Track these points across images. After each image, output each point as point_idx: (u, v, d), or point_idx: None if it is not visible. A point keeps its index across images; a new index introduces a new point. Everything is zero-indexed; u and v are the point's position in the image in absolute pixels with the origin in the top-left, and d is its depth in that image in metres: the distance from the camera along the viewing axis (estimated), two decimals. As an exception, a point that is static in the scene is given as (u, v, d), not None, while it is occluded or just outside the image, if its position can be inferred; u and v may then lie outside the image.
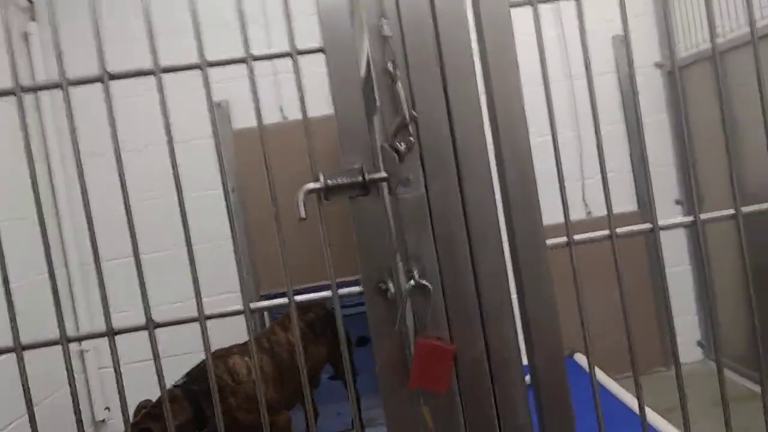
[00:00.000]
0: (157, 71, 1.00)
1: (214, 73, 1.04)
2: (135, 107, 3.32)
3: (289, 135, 3.52)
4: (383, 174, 0.98)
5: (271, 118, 3.43)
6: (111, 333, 0.99)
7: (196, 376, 2.53)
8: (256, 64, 1.05)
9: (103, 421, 3.34)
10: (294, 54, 1.05)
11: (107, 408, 3.37)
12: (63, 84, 1.00)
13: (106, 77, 0.99)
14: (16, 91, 1.01)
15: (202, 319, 1.00)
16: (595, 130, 1.07)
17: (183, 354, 2.73)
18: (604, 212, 1.05)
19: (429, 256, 0.98)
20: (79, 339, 1.08)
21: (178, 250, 3.47)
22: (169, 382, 2.60)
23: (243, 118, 3.46)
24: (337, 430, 3.56)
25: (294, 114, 3.44)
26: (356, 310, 6.81)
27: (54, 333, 0.99)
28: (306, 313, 3.03)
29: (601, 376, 3.14)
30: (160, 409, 2.39)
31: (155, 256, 3.42)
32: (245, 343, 2.72)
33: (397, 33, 1.02)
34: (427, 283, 0.96)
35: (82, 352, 3.27)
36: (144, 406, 2.50)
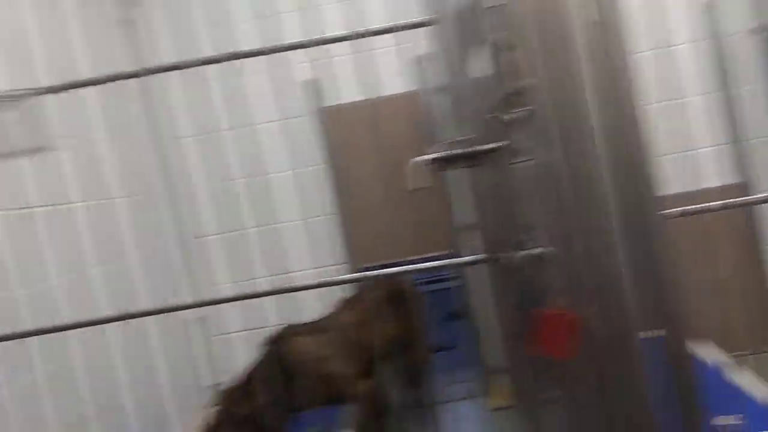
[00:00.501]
0: (255, 53, 1.04)
1: (304, 51, 1.08)
2: (232, 88, 3.45)
3: (378, 112, 3.57)
4: (497, 144, 0.98)
5: (360, 95, 3.48)
6: (228, 300, 1.05)
7: (266, 358, 2.63)
8: (345, 42, 1.07)
9: (219, 384, 3.56)
10: (400, 29, 1.07)
11: (214, 378, 3.58)
12: (181, 66, 1.05)
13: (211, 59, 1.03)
14: (140, 73, 1.08)
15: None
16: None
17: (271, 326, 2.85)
18: (706, 185, 1.02)
19: (545, 225, 0.98)
20: (203, 305, 1.15)
21: (274, 226, 3.61)
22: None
23: (334, 96, 3.53)
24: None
25: (382, 91, 3.47)
26: (446, 285, 6.76)
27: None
28: (376, 290, 3.06)
29: (709, 352, 3.02)
30: (242, 391, 2.53)
31: (255, 230, 3.57)
32: (313, 322, 2.82)
33: (508, 2, 1.01)
34: (544, 253, 0.96)
35: (194, 321, 3.49)
36: (222, 395, 2.64)
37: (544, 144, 1.00)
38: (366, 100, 3.53)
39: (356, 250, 3.69)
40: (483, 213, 1.01)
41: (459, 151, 1.00)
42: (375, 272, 1.14)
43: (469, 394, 3.58)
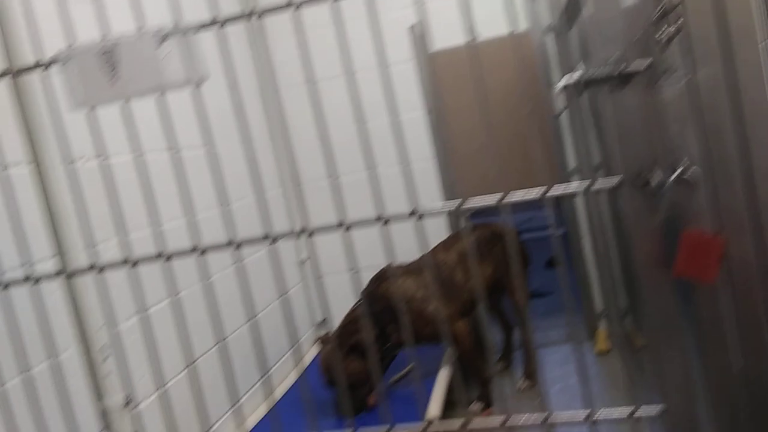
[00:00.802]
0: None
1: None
2: (336, 35, 3.48)
3: (482, 54, 3.51)
4: (646, 63, 0.96)
5: (464, 38, 3.42)
6: (342, 225, 1.09)
7: (371, 297, 2.72)
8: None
9: (323, 321, 3.75)
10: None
11: (324, 318, 3.77)
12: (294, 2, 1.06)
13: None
14: (254, 11, 1.11)
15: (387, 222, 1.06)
16: None
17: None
18: None
19: (695, 147, 0.95)
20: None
21: (377, 172, 3.67)
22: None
23: (437, 40, 3.49)
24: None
25: (487, 33, 3.39)
26: (544, 233, 6.65)
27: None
28: (476, 232, 3.07)
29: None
30: (352, 327, 2.65)
31: (359, 177, 3.64)
32: (410, 264, 2.88)
33: None
34: (691, 176, 0.94)
35: (303, 262, 3.66)
36: (324, 339, 2.77)
37: (696, 62, 0.96)
38: (470, 42, 3.46)
39: (460, 196, 3.70)
40: (625, 136, 0.99)
41: (600, 73, 0.97)
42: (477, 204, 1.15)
43: (569, 338, 3.58)
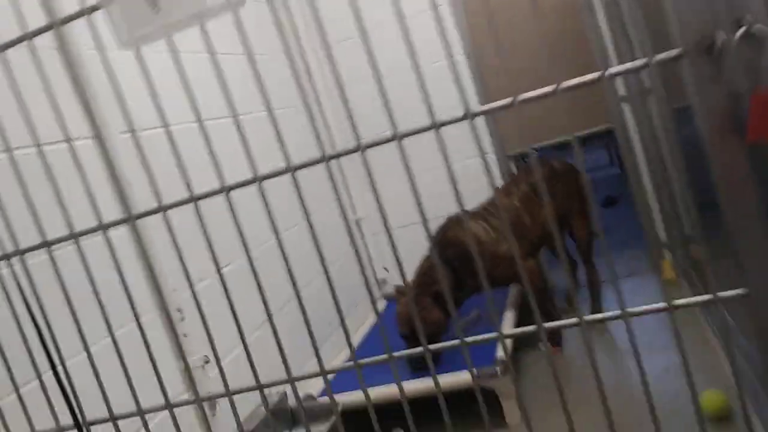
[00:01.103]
0: None
1: None
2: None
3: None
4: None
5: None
6: (395, 137, 1.07)
7: (442, 243, 2.71)
8: None
9: (384, 280, 3.78)
10: None
11: (385, 268, 3.79)
12: None
13: None
14: None
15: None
16: None
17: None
18: None
19: (757, 1, 0.89)
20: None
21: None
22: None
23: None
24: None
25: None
26: (599, 174, 6.49)
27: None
28: (531, 174, 2.99)
29: None
30: (427, 278, 2.65)
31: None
32: (475, 210, 2.87)
33: None
34: (757, 32, 0.88)
35: (358, 221, 3.69)
36: (399, 290, 2.78)
37: None
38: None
39: (507, 138, 3.64)
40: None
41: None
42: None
43: (634, 271, 3.52)
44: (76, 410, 1.08)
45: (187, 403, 1.06)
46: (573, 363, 2.76)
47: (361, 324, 3.36)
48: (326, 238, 3.32)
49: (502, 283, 2.78)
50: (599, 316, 0.87)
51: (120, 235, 1.94)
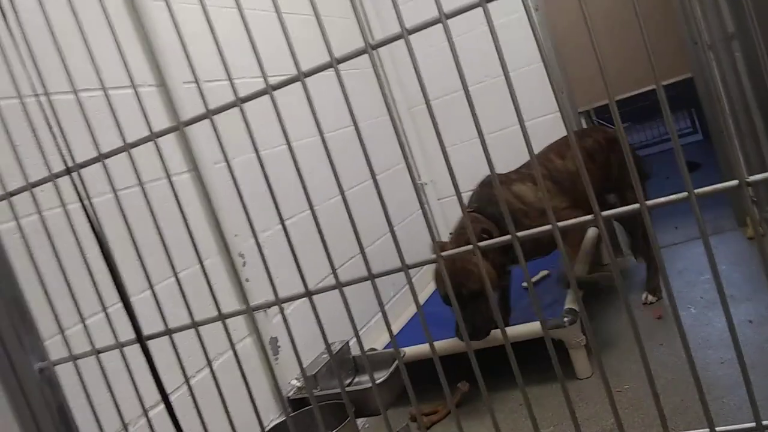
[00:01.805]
0: None
1: None
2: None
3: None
4: None
5: None
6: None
7: (485, 200, 2.48)
8: None
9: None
10: None
11: (451, 233, 3.74)
12: None
13: None
14: None
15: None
16: None
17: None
18: None
19: None
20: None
21: (493, 80, 3.55)
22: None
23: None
24: (673, 242, 3.41)
25: None
26: (660, 147, 6.17)
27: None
28: (584, 139, 2.78)
29: None
30: (466, 232, 2.49)
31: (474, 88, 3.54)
32: (522, 172, 2.63)
33: None
34: None
35: (423, 185, 3.66)
36: (441, 247, 2.52)
37: None
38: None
39: (578, 93, 3.50)
40: None
41: None
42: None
43: (718, 230, 3.31)
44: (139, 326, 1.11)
45: (238, 313, 1.06)
46: (647, 317, 2.64)
47: (423, 289, 3.33)
48: (389, 202, 3.31)
49: (550, 244, 2.53)
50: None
51: (183, 180, 1.99)
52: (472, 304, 2.28)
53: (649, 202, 0.79)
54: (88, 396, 1.13)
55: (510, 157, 2.70)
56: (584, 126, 3.59)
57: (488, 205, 2.45)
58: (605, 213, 0.81)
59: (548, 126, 3.48)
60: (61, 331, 1.14)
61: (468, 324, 2.27)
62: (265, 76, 0.90)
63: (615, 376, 2.24)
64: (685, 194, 0.78)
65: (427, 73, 3.59)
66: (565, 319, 2.26)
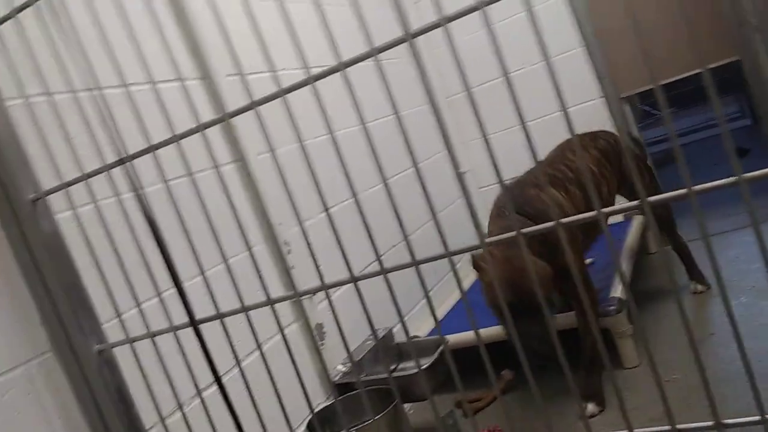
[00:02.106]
0: None
1: None
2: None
3: None
4: None
5: None
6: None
7: (521, 202, 2.23)
8: None
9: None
10: None
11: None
12: None
13: None
14: None
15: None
16: None
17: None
18: None
19: None
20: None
21: (531, 68, 3.51)
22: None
23: None
24: (723, 229, 3.32)
25: None
26: (708, 132, 6.01)
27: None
28: (596, 140, 2.66)
29: None
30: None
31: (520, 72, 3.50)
32: (549, 173, 2.39)
33: None
34: None
35: (462, 174, 3.65)
36: (479, 258, 2.26)
37: None
38: None
39: (620, 78, 3.42)
40: None
41: None
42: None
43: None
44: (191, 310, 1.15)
45: (286, 298, 1.09)
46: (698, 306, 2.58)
47: (465, 278, 3.33)
48: (429, 191, 3.31)
49: (587, 238, 2.37)
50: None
51: (229, 170, 2.03)
52: (529, 318, 1.90)
53: (697, 187, 0.78)
54: (144, 377, 1.17)
55: (551, 145, 2.66)
56: (628, 113, 3.51)
57: (524, 205, 2.21)
58: (652, 198, 0.80)
59: (590, 112, 3.42)
60: (118, 315, 1.19)
61: (527, 346, 1.91)
62: (307, 68, 0.91)
63: (663, 366, 2.21)
64: (734, 179, 0.77)
65: (465, 62, 3.57)
66: (612, 307, 2.23)
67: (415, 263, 0.96)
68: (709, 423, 0.80)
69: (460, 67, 0.86)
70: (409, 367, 2.28)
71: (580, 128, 3.21)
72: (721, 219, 3.48)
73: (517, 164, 2.56)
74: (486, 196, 3.74)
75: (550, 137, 2.70)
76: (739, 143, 5.32)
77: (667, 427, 0.83)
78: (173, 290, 1.14)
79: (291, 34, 0.93)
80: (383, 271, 0.98)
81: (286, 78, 2.42)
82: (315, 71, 0.94)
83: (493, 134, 3.63)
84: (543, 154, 2.73)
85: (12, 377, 1.28)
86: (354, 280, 1.02)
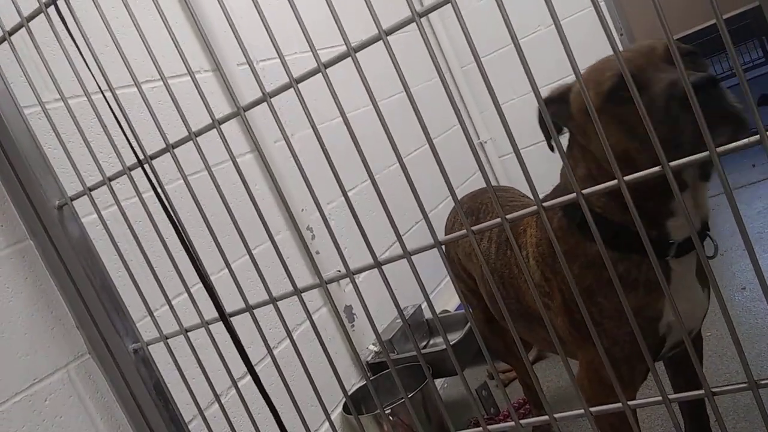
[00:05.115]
0: None
1: None
2: None
3: None
4: None
5: None
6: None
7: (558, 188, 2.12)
8: None
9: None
10: None
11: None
12: None
13: None
14: None
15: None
16: None
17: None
18: None
19: None
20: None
21: (546, 29, 3.44)
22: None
23: None
24: (750, 181, 3.26)
25: None
26: (733, 81, 5.86)
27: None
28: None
29: None
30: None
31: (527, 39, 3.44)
32: None
33: None
34: None
35: (482, 144, 3.61)
36: None
37: None
38: None
39: (638, 33, 3.35)
40: None
41: None
42: None
43: None
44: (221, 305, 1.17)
45: (312, 287, 1.10)
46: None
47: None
48: (449, 164, 3.29)
49: None
50: None
51: (247, 160, 2.04)
52: None
53: (720, 149, 0.76)
54: (181, 372, 1.20)
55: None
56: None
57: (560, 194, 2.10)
58: (673, 163, 0.79)
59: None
60: (150, 313, 1.21)
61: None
62: (316, 56, 0.91)
63: (695, 324, 2.19)
64: (756, 137, 0.75)
65: (477, 29, 3.50)
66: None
67: (437, 244, 0.96)
68: (743, 384, 0.79)
69: (470, 43, 0.85)
70: (439, 342, 2.29)
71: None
72: (747, 171, 3.41)
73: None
74: (507, 164, 3.71)
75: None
76: (763, 90, 5.18)
77: (701, 392, 0.82)
78: (200, 285, 1.15)
79: (299, 23, 0.92)
80: (406, 254, 0.98)
81: (296, 62, 2.41)
82: (324, 53, 0.94)
83: (514, 99, 3.56)
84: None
85: (52, 382, 1.31)
86: (378, 264, 1.02)
